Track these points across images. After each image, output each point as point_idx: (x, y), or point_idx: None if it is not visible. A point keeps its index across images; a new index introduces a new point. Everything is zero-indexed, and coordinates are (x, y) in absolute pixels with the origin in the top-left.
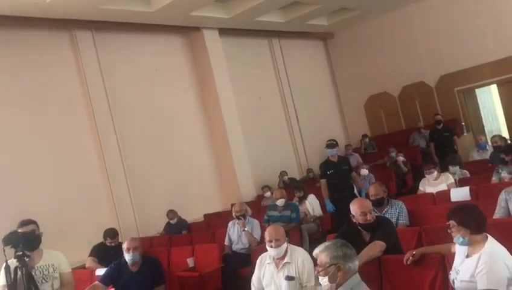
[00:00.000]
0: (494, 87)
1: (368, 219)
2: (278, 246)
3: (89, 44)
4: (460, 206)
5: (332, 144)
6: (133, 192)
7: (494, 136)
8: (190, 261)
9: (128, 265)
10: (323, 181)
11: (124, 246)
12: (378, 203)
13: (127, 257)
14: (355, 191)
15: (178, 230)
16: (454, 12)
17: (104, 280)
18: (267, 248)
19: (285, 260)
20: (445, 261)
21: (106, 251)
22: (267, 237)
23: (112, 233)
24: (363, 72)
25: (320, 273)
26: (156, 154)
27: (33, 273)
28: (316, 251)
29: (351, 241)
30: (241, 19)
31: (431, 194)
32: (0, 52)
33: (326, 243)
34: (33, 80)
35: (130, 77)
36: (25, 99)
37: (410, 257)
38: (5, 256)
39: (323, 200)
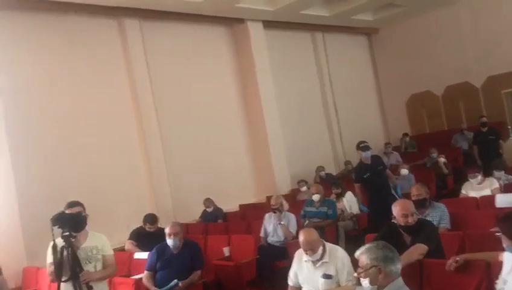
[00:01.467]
0: None
1: (409, 221)
2: (312, 253)
3: (136, 32)
4: (507, 214)
5: (367, 146)
6: (171, 178)
7: None
8: (226, 251)
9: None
10: (357, 185)
11: (166, 231)
12: (420, 205)
13: (169, 241)
14: (392, 190)
15: (214, 218)
16: (505, 12)
17: (151, 266)
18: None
19: (324, 260)
20: (491, 270)
21: (145, 236)
22: (301, 244)
23: (151, 219)
24: (406, 70)
25: (361, 274)
26: (195, 143)
27: (78, 253)
28: (357, 253)
29: (392, 243)
30: (286, 12)
31: (474, 198)
32: (52, 36)
33: (367, 245)
34: (82, 65)
35: (173, 66)
36: (73, 83)
37: (453, 263)
38: (53, 235)
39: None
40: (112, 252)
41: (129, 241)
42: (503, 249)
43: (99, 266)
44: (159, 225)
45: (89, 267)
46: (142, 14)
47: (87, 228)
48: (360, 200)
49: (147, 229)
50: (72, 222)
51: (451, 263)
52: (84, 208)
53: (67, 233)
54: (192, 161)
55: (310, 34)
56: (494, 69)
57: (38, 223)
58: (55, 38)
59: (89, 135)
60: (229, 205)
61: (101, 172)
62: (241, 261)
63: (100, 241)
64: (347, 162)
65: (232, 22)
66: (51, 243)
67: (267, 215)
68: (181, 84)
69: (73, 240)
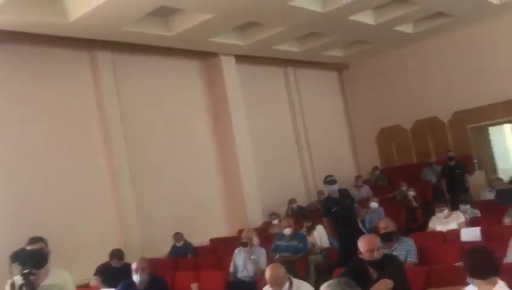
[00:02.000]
0: (507, 126)
1: (375, 255)
2: (278, 289)
3: (108, 65)
4: (469, 250)
5: (333, 180)
6: (140, 213)
7: (494, 179)
8: (194, 287)
9: (136, 284)
10: (325, 219)
11: (133, 266)
12: (388, 238)
13: (135, 277)
14: (360, 224)
15: (183, 253)
16: (471, 50)
17: None
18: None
19: None
20: None
21: (111, 272)
22: (267, 280)
23: (118, 254)
24: (376, 104)
25: None
26: (166, 177)
27: None
28: (320, 289)
29: (358, 278)
30: (258, 47)
31: (441, 232)
32: (22, 68)
33: (330, 281)
34: (51, 97)
35: (145, 99)
36: (41, 114)
37: None
38: (11, 273)
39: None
40: None
41: (95, 277)
42: (467, 284)
43: None
44: (126, 261)
45: None
46: (114, 47)
47: (49, 264)
48: (331, 233)
49: (113, 264)
50: (32, 258)
51: None
52: (46, 244)
53: (27, 270)
54: (162, 195)
55: (282, 69)
56: (460, 105)
57: None
58: (25, 70)
59: (55, 168)
60: (200, 239)
61: (68, 206)
62: None
63: (63, 279)
64: (320, 192)
65: (205, 56)
66: (9, 282)
67: (236, 250)
68: (153, 118)
69: (32, 277)
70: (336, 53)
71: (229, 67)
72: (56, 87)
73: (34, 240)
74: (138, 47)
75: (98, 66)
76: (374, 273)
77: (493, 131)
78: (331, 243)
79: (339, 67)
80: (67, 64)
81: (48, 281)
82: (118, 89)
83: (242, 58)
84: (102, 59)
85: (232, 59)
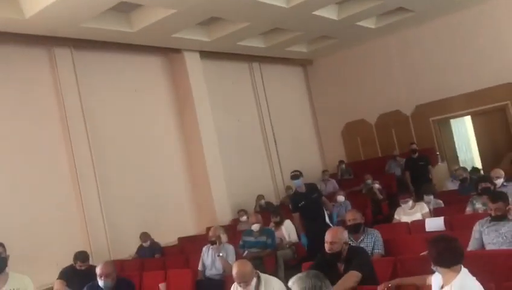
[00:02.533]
0: (468, 118)
1: (329, 248)
2: (246, 285)
3: (67, 62)
4: (433, 240)
5: (296, 175)
6: (106, 213)
7: (457, 169)
8: (162, 287)
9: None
10: (295, 215)
11: (97, 271)
12: (355, 230)
13: (100, 283)
14: (327, 218)
15: (151, 253)
16: (431, 44)
17: None
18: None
19: None
20: None
21: (76, 274)
22: (234, 277)
23: (82, 256)
24: (340, 99)
25: None
26: (131, 175)
27: None
28: (289, 283)
29: (326, 271)
30: (223, 43)
31: (406, 223)
32: None
33: (299, 274)
34: (8, 96)
35: (108, 97)
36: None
37: (385, 289)
38: None
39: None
40: None
41: (58, 280)
42: (432, 272)
43: None
44: (92, 263)
45: None
46: (73, 44)
47: (7, 269)
48: (301, 230)
49: (78, 267)
50: None
51: (382, 288)
52: (4, 249)
53: None
54: (128, 194)
55: (248, 65)
56: (422, 98)
57: None
58: None
59: (15, 169)
60: (168, 239)
61: (29, 209)
62: None
63: (22, 283)
64: (288, 187)
65: (169, 52)
66: None
67: (204, 248)
68: (116, 115)
69: None
70: (300, 49)
71: (193, 63)
72: (14, 85)
73: None
74: (99, 44)
75: (57, 64)
76: (341, 266)
77: (455, 123)
78: (299, 239)
79: (303, 62)
80: (25, 62)
81: (6, 287)
82: (79, 87)
83: (207, 54)
84: (61, 56)
85: (197, 55)
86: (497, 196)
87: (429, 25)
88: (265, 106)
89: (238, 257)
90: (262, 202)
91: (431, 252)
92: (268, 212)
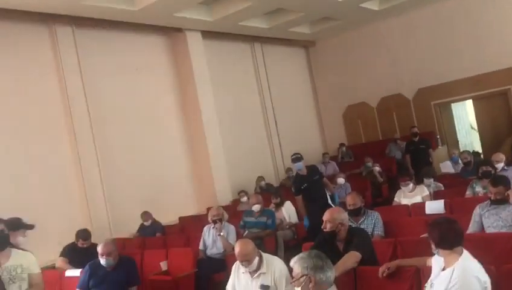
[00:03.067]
0: (469, 102)
1: (325, 226)
2: (248, 264)
3: (68, 40)
4: (434, 221)
5: (298, 158)
6: (107, 192)
7: (463, 152)
8: (163, 265)
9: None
10: (298, 198)
11: (99, 250)
12: (355, 213)
13: (102, 261)
14: (329, 199)
15: (152, 232)
16: (434, 28)
17: (83, 284)
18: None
19: (261, 270)
20: (420, 274)
21: (78, 252)
22: (236, 255)
23: (84, 234)
24: (342, 82)
25: (294, 283)
26: (133, 155)
27: (0, 273)
28: (291, 262)
29: (326, 252)
30: (225, 23)
31: (406, 206)
32: None
33: (300, 254)
34: (9, 74)
35: (109, 75)
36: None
37: (386, 270)
38: None
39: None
40: (38, 271)
41: (60, 258)
42: (432, 254)
43: (24, 286)
44: (93, 241)
45: (13, 288)
46: (75, 22)
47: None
48: (304, 213)
49: (80, 245)
50: None
51: (383, 270)
52: (6, 226)
53: None
54: (129, 173)
55: (250, 45)
56: (424, 82)
57: None
58: None
59: (17, 148)
60: (169, 218)
61: (30, 186)
62: (179, 275)
63: (25, 260)
64: (288, 169)
65: (171, 31)
66: None
67: (205, 228)
68: (117, 94)
69: None
70: (303, 30)
71: (195, 43)
72: (14, 62)
73: None
74: (101, 22)
75: (59, 42)
76: (341, 247)
77: (456, 107)
78: (302, 221)
79: (305, 44)
80: (25, 40)
81: (10, 262)
82: (81, 66)
83: (208, 34)
84: (62, 35)
85: (198, 35)
86: (498, 180)
87: (433, 8)
88: (266, 87)
89: (239, 237)
90: (263, 183)
91: (433, 235)
92: (269, 193)
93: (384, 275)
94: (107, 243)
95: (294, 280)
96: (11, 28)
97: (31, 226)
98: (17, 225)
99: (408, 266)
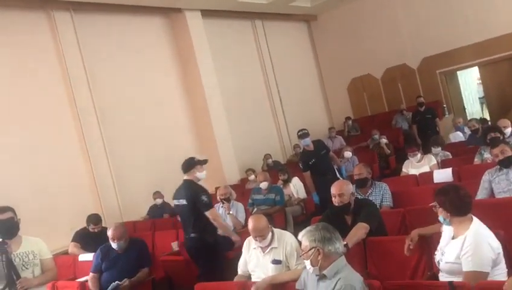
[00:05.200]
0: (475, 69)
1: (338, 201)
2: (262, 239)
3: (68, 25)
4: (443, 188)
5: (305, 134)
6: (115, 176)
7: (471, 120)
8: (174, 245)
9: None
10: (306, 174)
11: (109, 235)
12: (362, 184)
13: (113, 245)
14: (337, 172)
15: (160, 213)
16: None
17: (96, 268)
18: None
19: (272, 245)
20: (430, 243)
21: (89, 237)
22: (250, 231)
23: (95, 219)
24: (346, 55)
25: (303, 256)
26: (138, 137)
27: (13, 260)
28: (299, 236)
29: (334, 224)
30: (224, 0)
31: (414, 176)
32: None
33: (308, 227)
34: (10, 62)
35: (110, 59)
36: (2, 81)
37: (410, 243)
38: None
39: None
40: (50, 256)
41: (72, 243)
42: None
43: (37, 272)
44: (104, 225)
45: (26, 274)
46: (73, 6)
47: (23, 232)
48: (313, 189)
49: (91, 229)
50: (3, 228)
51: (407, 245)
52: (15, 213)
53: (0, 240)
54: (136, 156)
55: (250, 22)
56: (428, 51)
57: None
58: None
59: (24, 135)
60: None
61: (39, 174)
62: None
63: (36, 246)
64: (296, 146)
65: (169, 12)
66: None
67: (215, 207)
68: (120, 78)
69: (6, 246)
70: (303, 3)
71: (194, 22)
72: (14, 50)
73: (2, 209)
74: (99, 5)
75: (58, 28)
76: (348, 219)
77: (461, 75)
78: (310, 197)
79: (307, 18)
80: (23, 27)
81: (21, 249)
82: (81, 50)
83: (208, 13)
84: (61, 20)
85: (198, 14)
86: (494, 141)
87: None
88: (269, 64)
89: (248, 214)
90: (270, 160)
91: (443, 203)
92: (276, 170)
93: (411, 247)
94: (116, 226)
95: (303, 253)
96: (8, 14)
97: (204, 161)
98: (192, 163)
99: (427, 234)
